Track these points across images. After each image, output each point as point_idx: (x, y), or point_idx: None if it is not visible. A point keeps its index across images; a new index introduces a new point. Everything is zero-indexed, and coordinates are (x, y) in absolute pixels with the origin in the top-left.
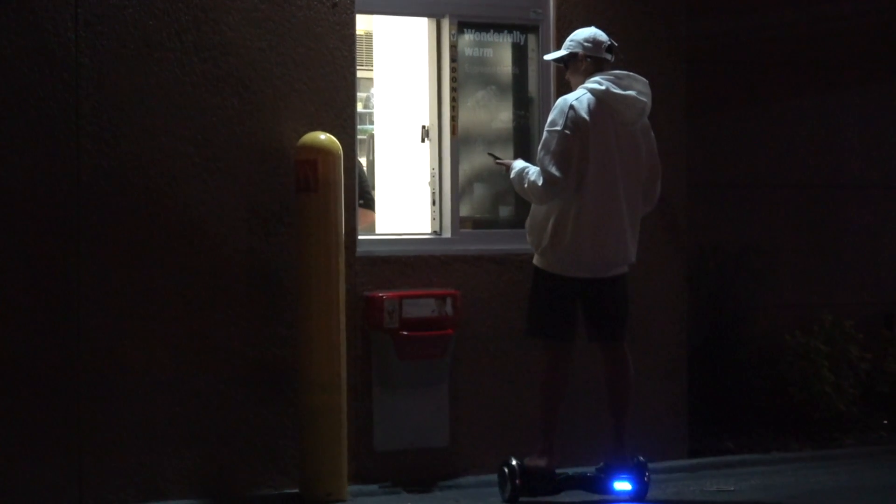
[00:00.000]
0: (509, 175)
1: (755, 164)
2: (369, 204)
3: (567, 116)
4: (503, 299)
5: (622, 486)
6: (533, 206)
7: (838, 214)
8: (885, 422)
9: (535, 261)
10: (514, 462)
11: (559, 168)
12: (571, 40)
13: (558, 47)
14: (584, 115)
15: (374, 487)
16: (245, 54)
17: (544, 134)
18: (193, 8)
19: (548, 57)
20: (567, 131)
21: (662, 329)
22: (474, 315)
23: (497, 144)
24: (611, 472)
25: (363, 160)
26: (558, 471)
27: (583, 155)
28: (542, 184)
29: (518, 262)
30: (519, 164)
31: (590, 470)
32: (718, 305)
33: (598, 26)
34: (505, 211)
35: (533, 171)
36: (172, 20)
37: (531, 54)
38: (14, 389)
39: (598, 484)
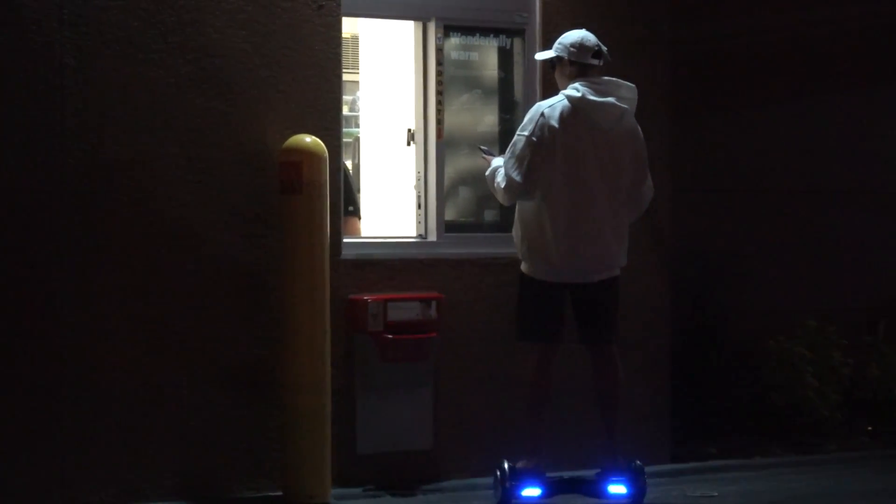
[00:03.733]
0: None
1: (739, 169)
2: (356, 212)
3: (536, 123)
4: (487, 303)
5: (617, 489)
6: (515, 214)
7: (822, 219)
8: (869, 428)
9: (521, 266)
10: (505, 464)
11: (520, 173)
12: (559, 43)
13: (544, 49)
14: (555, 122)
15: (357, 490)
16: (230, 56)
17: (515, 136)
18: (178, 9)
19: (538, 56)
20: (534, 138)
21: (645, 333)
22: (458, 318)
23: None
24: (604, 475)
25: (349, 163)
26: (554, 474)
27: (550, 162)
28: (503, 186)
29: (501, 266)
30: (495, 162)
31: (588, 474)
32: (701, 310)
33: (583, 29)
34: (489, 215)
35: (500, 173)
36: (157, 21)
37: (517, 58)
38: None
39: (593, 487)
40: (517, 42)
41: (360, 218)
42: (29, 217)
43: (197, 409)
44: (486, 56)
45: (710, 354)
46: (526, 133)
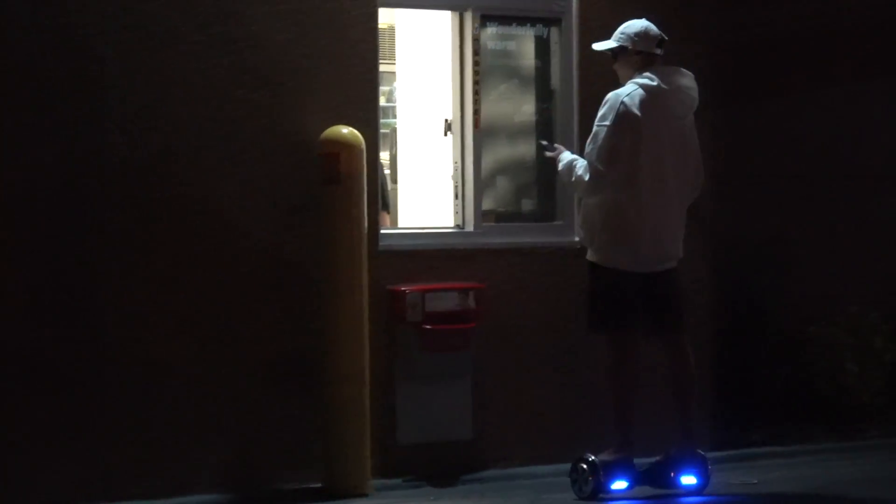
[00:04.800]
0: (557, 167)
1: (780, 156)
2: (385, 206)
3: (617, 112)
4: (526, 292)
5: (689, 479)
6: (586, 202)
7: (864, 206)
8: None
9: (590, 256)
10: (591, 457)
11: (604, 163)
12: (622, 33)
13: (581, 40)
14: (636, 110)
15: (397, 481)
16: (269, 47)
17: (594, 128)
18: (218, 1)
19: (597, 46)
20: (616, 126)
21: (689, 321)
22: (497, 308)
23: (520, 137)
24: (674, 465)
25: (385, 154)
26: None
27: (634, 150)
28: (588, 178)
29: (541, 255)
30: (567, 156)
31: (650, 462)
32: (743, 297)
33: (622, 19)
34: (528, 204)
35: (580, 165)
36: (197, 13)
37: (554, 47)
38: (38, 384)
39: (661, 477)
40: (554, 31)
41: (388, 212)
42: (71, 211)
43: (238, 402)
44: (523, 45)
45: (753, 341)
46: (607, 122)
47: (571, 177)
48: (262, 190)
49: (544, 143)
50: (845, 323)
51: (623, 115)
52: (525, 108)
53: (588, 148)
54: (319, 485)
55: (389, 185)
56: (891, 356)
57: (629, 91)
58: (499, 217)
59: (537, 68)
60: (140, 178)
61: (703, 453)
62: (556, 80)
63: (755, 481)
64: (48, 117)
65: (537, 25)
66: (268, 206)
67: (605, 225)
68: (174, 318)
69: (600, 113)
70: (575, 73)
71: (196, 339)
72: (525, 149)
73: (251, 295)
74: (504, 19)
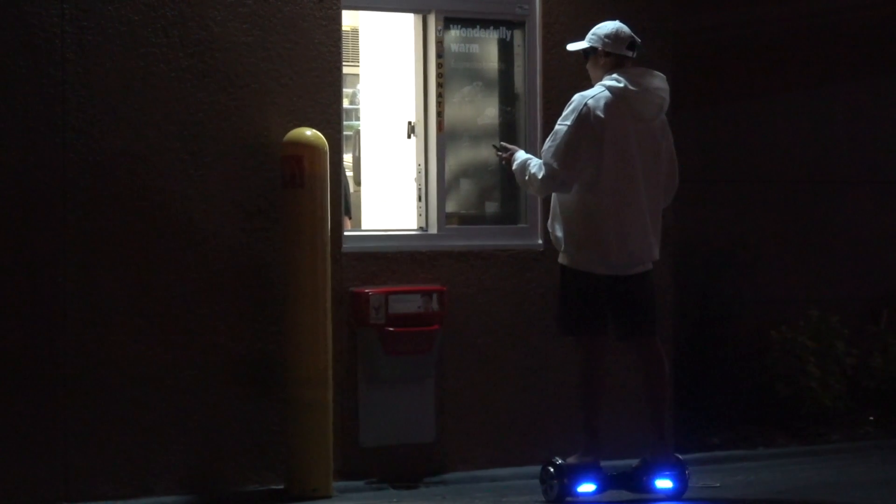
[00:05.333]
0: (511, 166)
1: (742, 160)
2: (347, 210)
3: (580, 113)
4: (489, 295)
5: (664, 483)
6: (554, 205)
7: (825, 210)
8: (871, 417)
9: (561, 259)
10: (559, 461)
11: (560, 161)
12: (594, 34)
13: (545, 43)
14: (600, 112)
15: (360, 483)
16: (231, 49)
17: (556, 126)
18: (179, 3)
19: (570, 47)
20: (576, 127)
21: None
22: (460, 311)
23: (483, 140)
24: (651, 469)
25: (349, 156)
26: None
27: (597, 153)
28: (542, 176)
29: (504, 258)
30: (521, 155)
31: (627, 467)
32: (705, 301)
33: (583, 21)
34: (491, 207)
35: (534, 164)
36: (158, 15)
37: (517, 50)
38: (0, 384)
39: (638, 482)
40: (518, 34)
41: (350, 217)
42: (32, 212)
43: (200, 403)
44: (487, 48)
45: (714, 345)
46: (569, 122)
47: (525, 175)
48: (225, 192)
49: (496, 144)
50: (807, 327)
51: (585, 116)
52: (488, 111)
53: (546, 145)
54: (282, 486)
55: (352, 188)
56: (852, 360)
57: (595, 93)
58: (462, 219)
59: (501, 71)
60: (102, 180)
61: (680, 458)
62: (519, 83)
63: (717, 485)
64: (9, 119)
65: (500, 28)
66: (231, 209)
67: (572, 228)
68: (137, 320)
69: (564, 112)
70: (538, 76)
71: (159, 341)
72: (488, 151)
73: (214, 297)
74: (467, 22)
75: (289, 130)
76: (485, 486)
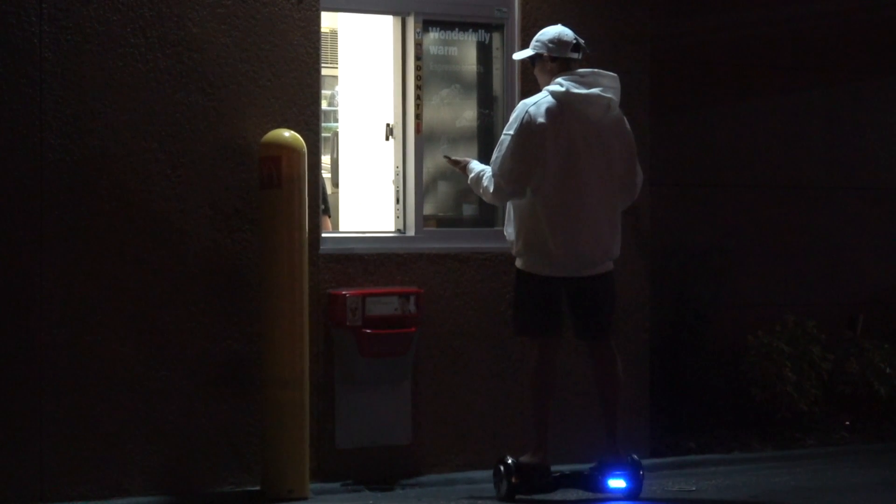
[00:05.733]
0: (466, 175)
1: (719, 165)
2: (327, 210)
3: (522, 121)
4: (466, 297)
5: (616, 483)
6: (508, 210)
7: (802, 215)
8: (847, 422)
9: (516, 262)
10: (509, 460)
11: (505, 176)
12: (537, 40)
13: (523, 46)
14: (542, 119)
15: (335, 485)
16: (209, 50)
17: (502, 135)
18: (157, 3)
19: (516, 56)
20: (519, 136)
21: (624, 328)
22: (437, 313)
23: (461, 142)
24: (605, 469)
25: (327, 158)
26: (553, 468)
27: (540, 159)
28: (493, 188)
29: (481, 261)
30: (476, 166)
31: (584, 468)
32: (681, 305)
33: (562, 24)
34: (468, 209)
35: (486, 176)
36: (136, 15)
37: (496, 53)
38: None
39: (592, 482)
40: (496, 37)
41: (329, 216)
42: (8, 211)
43: (176, 404)
44: (466, 51)
45: (689, 349)
46: (512, 132)
47: (479, 188)
48: (202, 192)
49: (446, 155)
50: (783, 331)
51: (527, 124)
52: (467, 114)
53: (493, 156)
54: (258, 488)
55: (330, 189)
56: (828, 365)
57: (537, 99)
58: (440, 222)
59: (479, 74)
60: (79, 180)
61: (636, 458)
62: (497, 86)
63: (693, 488)
64: None
65: (479, 31)
66: (208, 209)
67: (521, 231)
68: (112, 320)
69: (509, 121)
70: (517, 79)
71: (134, 341)
72: (466, 154)
73: (191, 297)
74: (446, 25)
75: (267, 132)
76: (460, 488)
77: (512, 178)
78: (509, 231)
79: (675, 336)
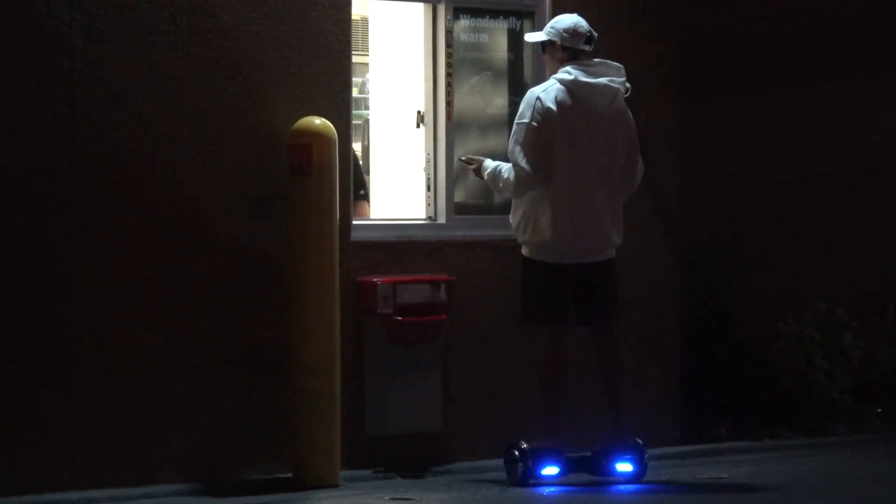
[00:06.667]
0: (482, 176)
1: (750, 155)
2: (366, 196)
3: (534, 108)
4: (496, 285)
5: (624, 467)
6: (513, 199)
7: (832, 204)
8: (878, 410)
9: (522, 250)
10: (523, 444)
11: (529, 161)
12: (552, 27)
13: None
14: (551, 104)
15: (366, 472)
16: (240, 38)
17: (514, 126)
18: None
19: (528, 37)
20: (534, 123)
21: (655, 317)
22: (467, 300)
23: (491, 130)
24: (611, 453)
25: (358, 145)
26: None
27: (550, 145)
28: (514, 178)
29: (511, 248)
30: (490, 163)
31: (586, 452)
32: (711, 294)
33: (592, 12)
34: (499, 197)
35: (505, 168)
36: (167, 3)
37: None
38: (4, 372)
39: (599, 465)
40: (527, 24)
41: (369, 202)
42: (38, 199)
43: (206, 392)
44: (496, 38)
45: (720, 337)
46: (525, 120)
47: (499, 182)
48: (232, 180)
49: (462, 158)
50: (813, 319)
51: (538, 111)
52: (497, 101)
53: (510, 147)
54: (288, 475)
55: None
56: (859, 353)
57: (545, 87)
58: (470, 209)
59: (510, 61)
60: (108, 168)
61: (639, 441)
62: (528, 74)
63: (725, 476)
64: (17, 107)
65: (510, 18)
66: (237, 197)
67: (526, 219)
68: (142, 309)
69: (519, 111)
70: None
71: (164, 330)
72: (497, 141)
73: (220, 286)
74: (477, 12)
75: (297, 119)
76: (491, 475)
77: (533, 163)
78: (514, 219)
79: (705, 324)
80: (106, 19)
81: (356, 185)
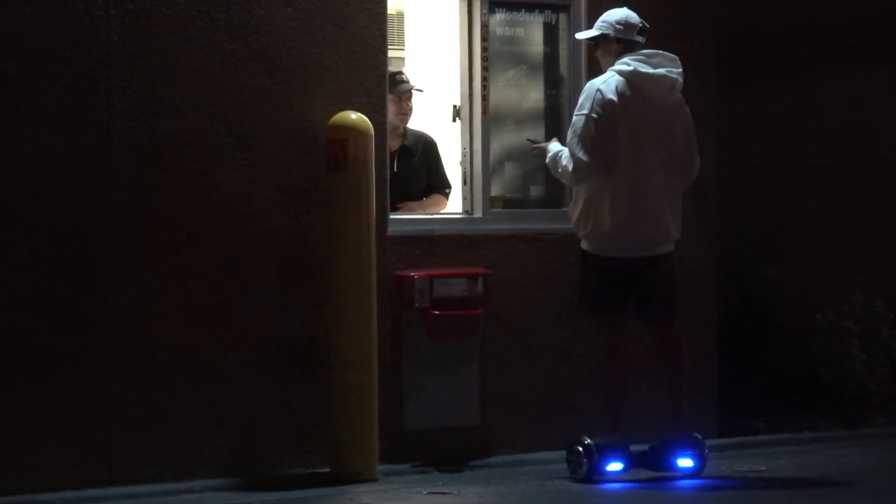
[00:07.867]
0: (545, 159)
1: (786, 144)
2: (447, 186)
3: (594, 100)
4: (533, 278)
5: (685, 462)
6: (573, 192)
7: (869, 194)
8: None
9: (581, 244)
10: (587, 440)
11: (587, 152)
12: (604, 21)
13: (589, 26)
14: (612, 96)
15: (405, 466)
16: (275, 32)
17: (573, 118)
18: None
19: (579, 35)
20: (594, 115)
21: (692, 309)
22: (504, 294)
23: (528, 124)
24: (672, 448)
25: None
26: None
27: (612, 137)
28: (572, 168)
29: (548, 242)
30: (554, 146)
31: (649, 448)
32: (748, 284)
33: (629, 4)
34: (535, 190)
35: (565, 156)
36: None
37: (562, 34)
38: (44, 368)
39: (660, 461)
40: (562, 17)
41: (447, 197)
42: (76, 195)
43: (244, 387)
44: (532, 32)
45: (757, 329)
46: (585, 111)
47: (558, 168)
48: (269, 175)
49: (530, 139)
50: (851, 311)
51: (599, 102)
52: (533, 95)
53: (569, 137)
54: (326, 470)
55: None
56: None
57: (605, 79)
58: (507, 203)
59: (546, 55)
60: (145, 163)
61: (699, 437)
62: (564, 67)
63: (763, 468)
64: (54, 102)
65: (546, 12)
66: (274, 192)
67: (587, 213)
68: (180, 304)
69: (579, 102)
70: (583, 59)
71: (202, 325)
72: (533, 135)
73: (257, 280)
74: (512, 6)
75: (333, 114)
76: (529, 469)
77: (592, 153)
78: (574, 212)
79: (742, 315)
80: (142, 15)
81: (441, 183)
